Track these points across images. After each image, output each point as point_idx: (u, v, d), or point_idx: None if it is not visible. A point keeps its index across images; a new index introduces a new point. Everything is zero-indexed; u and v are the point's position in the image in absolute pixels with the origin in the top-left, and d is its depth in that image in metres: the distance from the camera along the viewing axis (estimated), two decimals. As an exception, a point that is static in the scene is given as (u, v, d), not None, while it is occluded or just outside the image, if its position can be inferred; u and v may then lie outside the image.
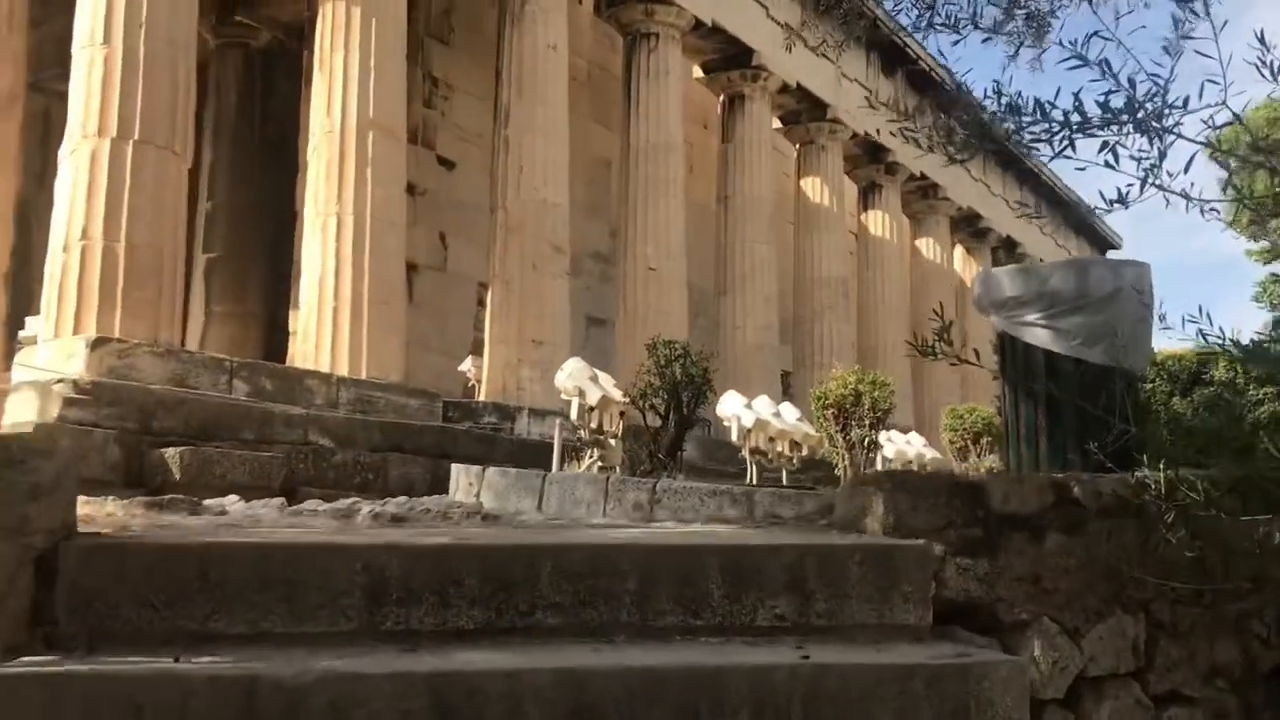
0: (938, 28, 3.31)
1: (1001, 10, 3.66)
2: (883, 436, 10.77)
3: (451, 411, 12.01)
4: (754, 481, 9.42)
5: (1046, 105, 3.00)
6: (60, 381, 8.73)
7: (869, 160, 21.82)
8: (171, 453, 8.63)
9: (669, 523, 5.54)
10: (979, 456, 12.12)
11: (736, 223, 17.89)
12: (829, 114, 19.90)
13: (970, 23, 3.29)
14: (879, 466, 10.77)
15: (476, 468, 7.26)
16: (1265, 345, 3.33)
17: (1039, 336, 4.42)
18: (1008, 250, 27.37)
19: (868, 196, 22.50)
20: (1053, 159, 3.11)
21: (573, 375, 8.62)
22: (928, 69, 20.71)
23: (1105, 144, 2.94)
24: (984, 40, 3.29)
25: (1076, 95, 2.96)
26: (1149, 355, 4.87)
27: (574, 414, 8.50)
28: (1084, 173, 2.92)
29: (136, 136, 9.77)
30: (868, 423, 9.89)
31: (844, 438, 9.92)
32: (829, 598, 2.92)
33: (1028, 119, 3.02)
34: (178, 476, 8.51)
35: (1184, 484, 3.11)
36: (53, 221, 9.87)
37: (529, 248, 13.46)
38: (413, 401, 11.44)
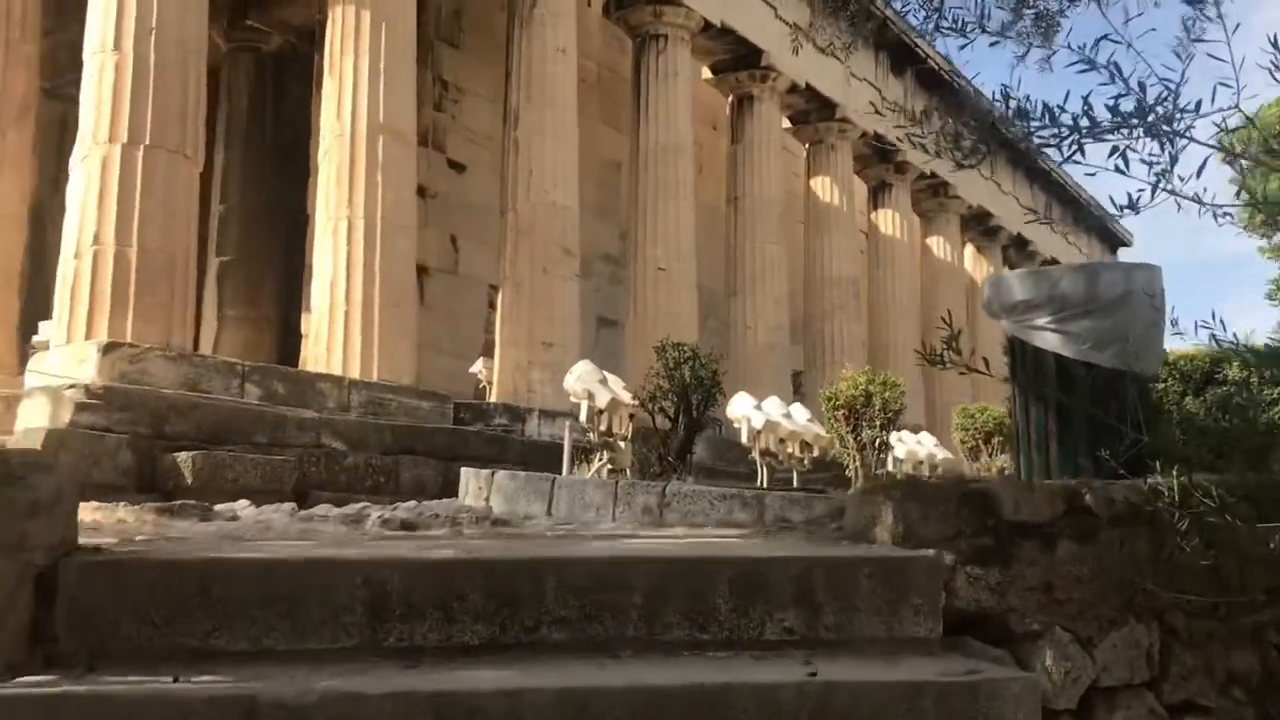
0: (944, 32, 3.28)
1: (1009, 11, 3.62)
2: (894, 437, 10.73)
3: (463, 413, 12.01)
4: (764, 483, 9.40)
5: (1056, 109, 2.96)
6: (72, 387, 8.74)
7: (879, 159, 21.75)
8: (184, 457, 8.64)
9: (678, 528, 5.51)
10: (990, 456, 12.08)
11: (746, 223, 17.84)
12: (838, 113, 19.84)
13: (977, 26, 3.26)
14: (890, 467, 10.74)
15: (486, 471, 7.25)
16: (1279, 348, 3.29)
17: (1049, 340, 4.38)
18: (1018, 248, 27.26)
19: (878, 195, 22.43)
20: (1062, 163, 3.07)
21: (582, 378, 8.60)
22: (937, 68, 20.65)
23: (1116, 149, 2.90)
24: (992, 44, 3.26)
25: (1086, 99, 2.92)
26: (1161, 359, 4.82)
27: (583, 417, 8.49)
28: (1096, 172, 2.87)
29: (147, 141, 9.79)
30: (878, 423, 9.87)
31: (855, 438, 9.90)
32: (838, 610, 2.88)
33: (1036, 123, 2.99)
34: (190, 481, 8.52)
35: (1198, 490, 3.07)
36: (65, 227, 9.90)
37: (539, 250, 13.46)
38: (424, 404, 11.44)
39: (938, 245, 24.23)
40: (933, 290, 23.54)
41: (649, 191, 15.78)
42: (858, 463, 9.64)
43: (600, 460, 8.33)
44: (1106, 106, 2.87)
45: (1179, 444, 4.84)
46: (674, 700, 2.45)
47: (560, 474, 8.12)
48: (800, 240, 20.08)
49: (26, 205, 12.83)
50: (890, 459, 10.76)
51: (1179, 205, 2.94)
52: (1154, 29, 3.04)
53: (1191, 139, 2.92)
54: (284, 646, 2.60)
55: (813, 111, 19.91)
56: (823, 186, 20.08)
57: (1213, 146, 2.98)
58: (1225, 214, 3.06)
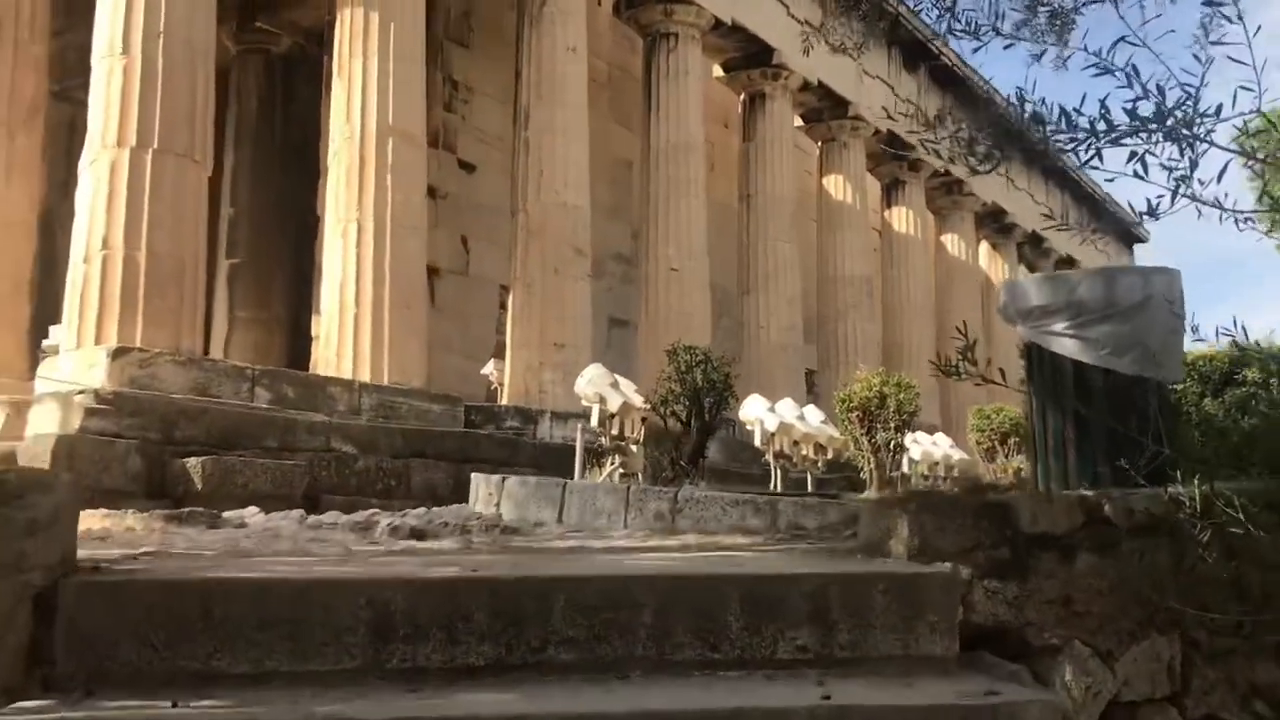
0: (957, 34, 3.20)
1: (1023, 8, 3.55)
2: (909, 438, 10.67)
3: (474, 415, 11.97)
4: (778, 486, 9.34)
5: (1073, 113, 2.89)
6: (82, 392, 8.72)
7: (892, 156, 21.62)
8: (193, 462, 8.62)
9: (690, 535, 5.47)
10: (1006, 457, 12.01)
11: (759, 222, 17.77)
12: (851, 111, 19.75)
13: (991, 29, 3.18)
14: (905, 469, 10.67)
15: (496, 477, 7.21)
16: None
17: (1067, 346, 4.31)
18: (1033, 245, 27.10)
19: (891, 193, 22.32)
20: (1081, 167, 3.00)
21: (593, 382, 8.56)
22: (950, 64, 20.54)
23: (1134, 153, 2.83)
24: (1006, 47, 3.19)
25: (1103, 103, 2.84)
26: (1181, 365, 4.74)
27: (595, 420, 8.45)
28: (1114, 178, 2.81)
29: (156, 145, 9.77)
30: (893, 425, 9.81)
31: (869, 440, 9.84)
32: (852, 628, 2.82)
33: (1052, 128, 2.92)
34: (200, 486, 8.50)
35: (1220, 499, 3.00)
36: (74, 231, 9.90)
37: (550, 251, 13.41)
38: (435, 406, 11.40)
39: (952, 243, 24.09)
40: (947, 288, 23.42)
41: (660, 190, 15.72)
42: (872, 465, 9.58)
43: (612, 464, 8.29)
44: (1125, 110, 2.80)
45: (1198, 445, 4.77)
46: (683, 725, 2.38)
47: (572, 477, 8.09)
48: (813, 239, 20.00)
49: (36, 210, 12.82)
50: (905, 460, 10.70)
51: (1199, 211, 2.86)
52: (1173, 30, 2.96)
53: (1212, 143, 2.85)
54: (286, 668, 2.54)
55: (825, 109, 19.82)
56: (835, 184, 19.99)
57: (1234, 151, 2.90)
58: (1247, 219, 2.99)
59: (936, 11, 3.55)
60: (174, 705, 2.34)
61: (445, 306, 14.94)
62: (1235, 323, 2.99)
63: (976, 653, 3.08)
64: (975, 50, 3.17)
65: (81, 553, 2.98)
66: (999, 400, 14.45)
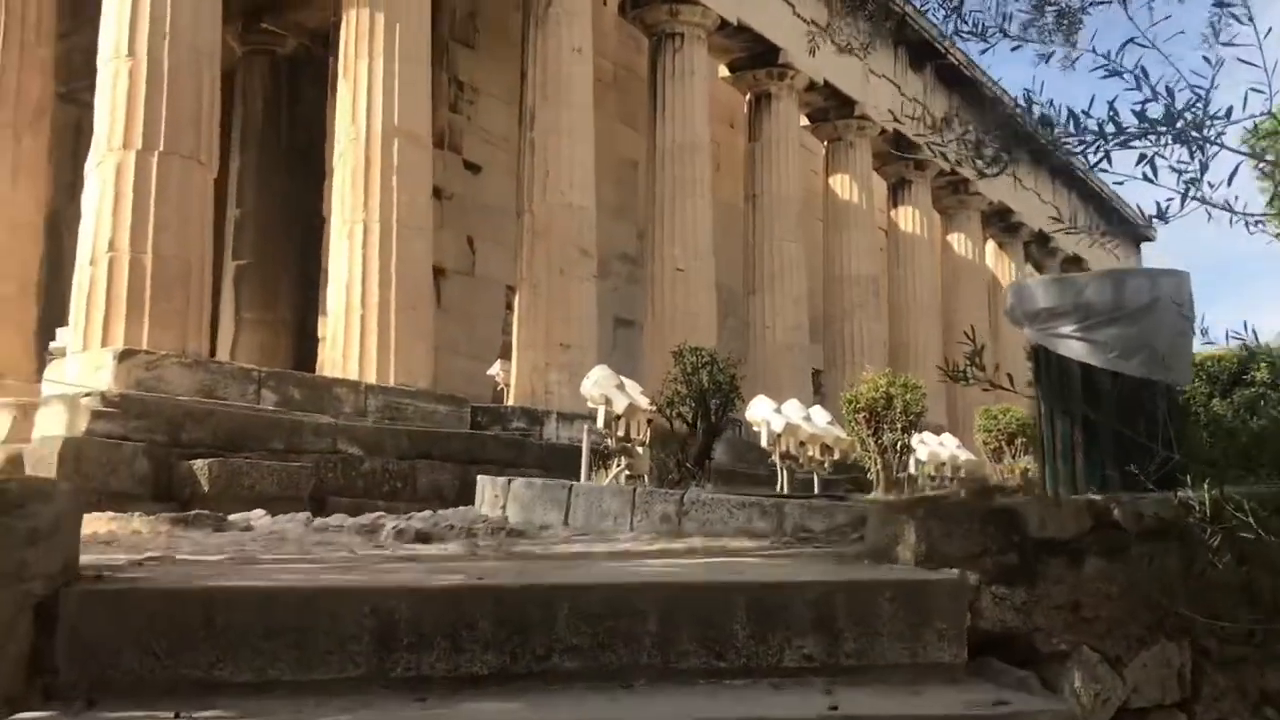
0: (964, 35, 3.18)
1: (1030, 8, 3.52)
2: (915, 439, 10.64)
3: (480, 416, 11.96)
4: (784, 487, 9.33)
5: (1081, 115, 2.87)
6: (88, 395, 8.73)
7: (898, 157, 21.57)
8: (200, 465, 8.62)
9: (696, 538, 5.45)
10: (1013, 457, 11.97)
11: (765, 221, 17.74)
12: (857, 110, 19.71)
13: (998, 30, 3.16)
14: (912, 470, 10.64)
15: (502, 480, 7.19)
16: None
17: (1074, 349, 4.28)
18: (1040, 244, 27.02)
19: (897, 193, 22.26)
20: (1090, 170, 2.98)
21: (599, 383, 8.55)
22: (957, 64, 20.48)
23: (1143, 156, 2.80)
24: (1014, 49, 3.16)
25: (1111, 105, 2.82)
26: (1190, 368, 4.71)
27: (600, 422, 8.44)
28: (1124, 181, 2.78)
29: (162, 148, 9.78)
30: (900, 426, 9.77)
31: (876, 441, 9.80)
32: (859, 636, 2.79)
33: (1060, 130, 2.89)
34: (206, 489, 8.50)
35: (1230, 503, 2.98)
36: (80, 234, 9.90)
37: (556, 251, 13.39)
38: (441, 407, 11.40)
39: (959, 242, 24.04)
40: (954, 288, 23.37)
41: (666, 190, 15.70)
42: (879, 466, 9.54)
43: (618, 465, 8.28)
44: (1134, 112, 2.77)
45: (1207, 446, 4.74)
46: (688, 736, 2.36)
47: (578, 478, 8.07)
48: (819, 238, 19.96)
49: (42, 212, 12.83)
50: (912, 461, 10.67)
51: (1209, 215, 2.84)
52: (1182, 31, 2.93)
53: (1222, 146, 2.82)
54: (290, 677, 2.53)
55: (831, 109, 19.79)
56: (841, 184, 19.95)
57: (1244, 153, 2.88)
58: (1258, 222, 2.96)
59: (943, 12, 3.52)
60: (176, 715, 2.32)
61: (451, 307, 14.93)
62: (1246, 326, 2.97)
63: (984, 659, 3.06)
64: (983, 52, 3.15)
65: (85, 558, 2.97)
66: (1006, 401, 14.42)
